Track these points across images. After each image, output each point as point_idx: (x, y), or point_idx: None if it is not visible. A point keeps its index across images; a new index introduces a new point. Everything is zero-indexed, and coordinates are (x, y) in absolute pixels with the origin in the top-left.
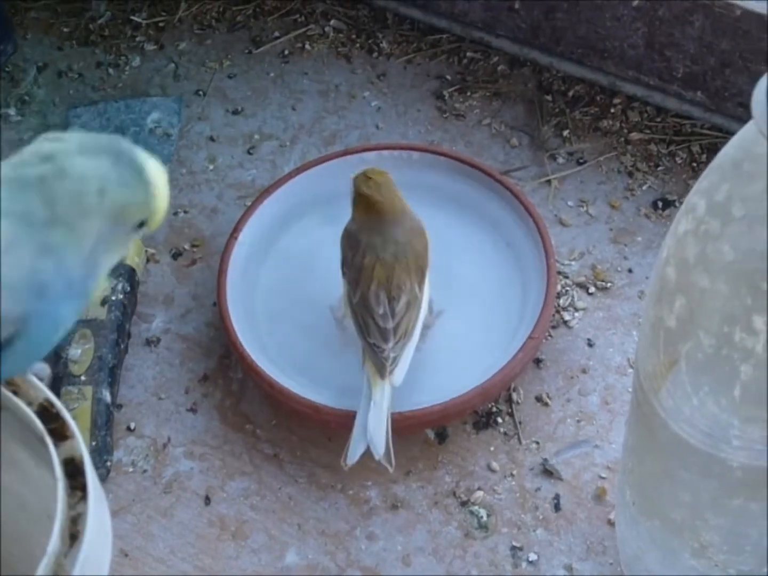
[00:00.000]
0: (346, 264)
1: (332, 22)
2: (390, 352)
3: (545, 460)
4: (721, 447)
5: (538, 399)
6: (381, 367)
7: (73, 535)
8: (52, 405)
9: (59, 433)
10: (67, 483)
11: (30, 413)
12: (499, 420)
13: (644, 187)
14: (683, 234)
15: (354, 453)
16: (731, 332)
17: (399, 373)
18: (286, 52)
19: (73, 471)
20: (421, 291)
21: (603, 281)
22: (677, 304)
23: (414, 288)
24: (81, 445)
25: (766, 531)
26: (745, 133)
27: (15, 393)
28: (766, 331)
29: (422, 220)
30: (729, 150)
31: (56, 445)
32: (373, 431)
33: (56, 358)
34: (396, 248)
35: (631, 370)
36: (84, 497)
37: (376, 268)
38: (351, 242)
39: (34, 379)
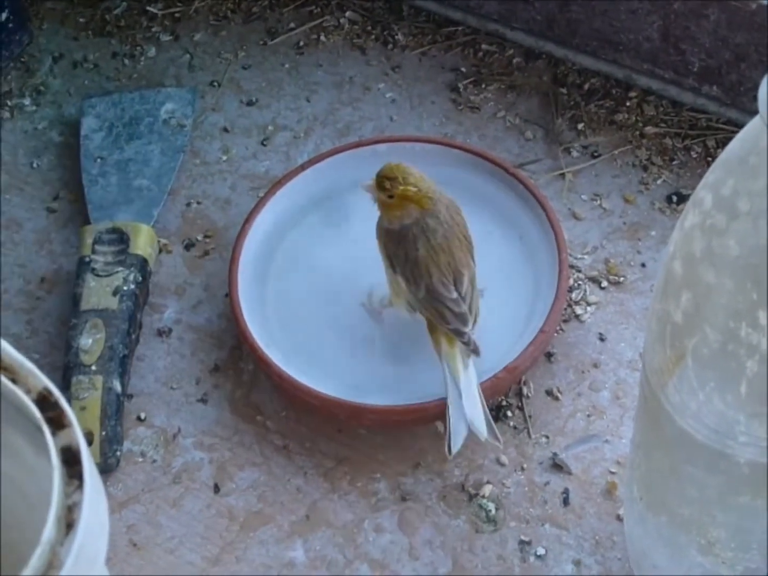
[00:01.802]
0: (398, 262)
1: (347, 13)
2: (471, 334)
3: (555, 454)
4: (728, 443)
5: (549, 393)
6: (465, 350)
7: (69, 524)
8: (50, 393)
9: (57, 421)
10: (64, 471)
11: (28, 401)
12: (509, 413)
13: (659, 182)
14: (690, 228)
15: (456, 441)
16: (737, 328)
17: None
18: (301, 43)
19: (71, 459)
20: (475, 264)
21: (616, 275)
22: (683, 298)
23: (471, 263)
24: (79, 433)
25: None
26: (752, 127)
27: (14, 381)
28: None
29: (453, 198)
30: (735, 144)
31: (54, 433)
32: (472, 415)
33: (67, 347)
34: (444, 229)
35: None
36: (81, 486)
37: (433, 255)
38: (396, 238)
39: (33, 367)
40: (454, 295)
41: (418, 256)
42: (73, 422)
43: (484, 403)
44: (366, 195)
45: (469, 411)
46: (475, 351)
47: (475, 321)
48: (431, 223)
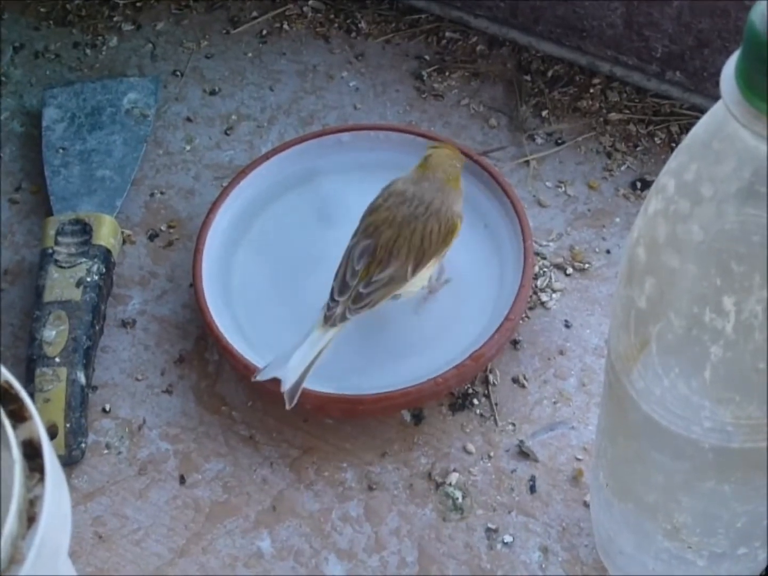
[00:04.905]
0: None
1: (311, 2)
2: (339, 307)
3: (521, 441)
4: (693, 429)
5: (515, 380)
6: (326, 314)
7: (31, 517)
8: (11, 386)
9: (18, 414)
10: (25, 464)
11: None
12: (476, 401)
13: (623, 168)
14: (653, 214)
15: (266, 373)
16: (701, 313)
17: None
18: (264, 32)
19: (32, 453)
20: (414, 274)
21: (581, 262)
22: (647, 284)
23: (406, 267)
24: (40, 426)
25: (738, 513)
26: (715, 112)
27: None
28: (735, 312)
29: (463, 217)
30: (698, 130)
31: (15, 426)
32: (292, 365)
33: (31, 339)
34: (416, 210)
35: None
36: (42, 479)
37: (384, 225)
38: (384, 188)
39: None
40: (359, 267)
41: (378, 208)
42: (34, 415)
43: (310, 368)
44: (332, 184)
45: (294, 361)
46: (328, 321)
47: (360, 308)
48: (415, 192)
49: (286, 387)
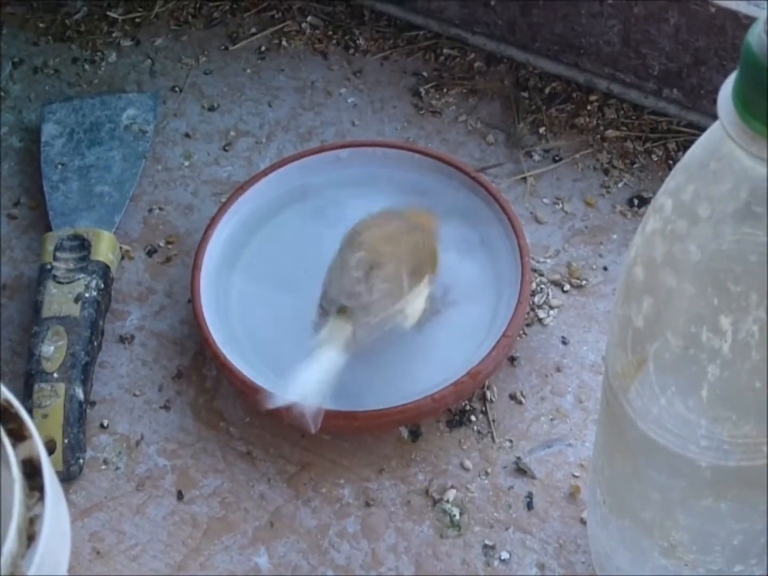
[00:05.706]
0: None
1: (309, 18)
2: (326, 317)
3: (518, 458)
4: (690, 447)
5: (512, 397)
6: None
7: (31, 536)
8: (11, 405)
9: (18, 433)
10: (25, 483)
11: None
12: (473, 418)
13: (620, 185)
14: (651, 233)
15: (281, 399)
16: (698, 332)
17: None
18: (263, 48)
19: (32, 471)
20: (410, 289)
21: (578, 279)
22: (645, 303)
23: (401, 279)
24: (40, 445)
25: (734, 531)
26: (712, 132)
27: None
28: (732, 331)
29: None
30: (696, 149)
31: (15, 445)
32: (310, 387)
33: (29, 355)
34: (405, 223)
35: None
36: (42, 498)
37: (379, 241)
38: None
39: None
40: (358, 274)
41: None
42: (33, 434)
43: (326, 389)
44: (331, 200)
45: (310, 382)
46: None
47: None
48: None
49: (307, 411)
